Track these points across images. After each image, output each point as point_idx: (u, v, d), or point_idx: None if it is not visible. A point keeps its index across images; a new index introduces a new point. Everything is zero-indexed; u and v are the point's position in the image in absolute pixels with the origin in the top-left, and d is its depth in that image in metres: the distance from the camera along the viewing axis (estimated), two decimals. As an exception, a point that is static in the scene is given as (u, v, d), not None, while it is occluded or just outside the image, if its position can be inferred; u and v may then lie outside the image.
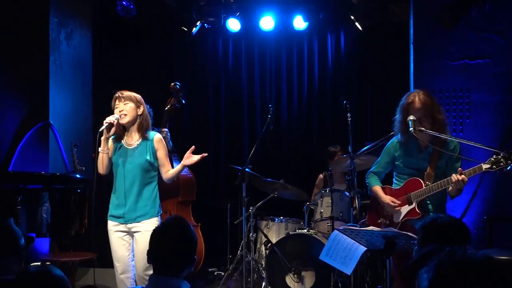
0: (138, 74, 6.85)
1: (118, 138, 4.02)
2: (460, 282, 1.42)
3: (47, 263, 4.58)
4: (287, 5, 6.69)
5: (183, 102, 5.47)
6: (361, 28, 6.57)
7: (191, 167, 5.55)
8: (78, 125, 6.01)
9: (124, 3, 6.31)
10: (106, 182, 4.15)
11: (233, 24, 6.85)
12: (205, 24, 6.90)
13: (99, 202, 3.99)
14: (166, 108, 5.30)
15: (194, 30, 6.86)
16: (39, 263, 4.33)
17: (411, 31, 5.45)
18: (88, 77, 6.23)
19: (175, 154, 5.19)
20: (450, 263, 1.45)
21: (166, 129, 5.13)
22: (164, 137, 5.10)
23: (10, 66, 5.53)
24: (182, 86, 5.41)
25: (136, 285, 3.95)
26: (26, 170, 5.23)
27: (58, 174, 5.28)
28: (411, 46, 5.45)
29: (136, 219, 3.93)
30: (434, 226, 2.47)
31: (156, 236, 2.51)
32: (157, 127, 4.88)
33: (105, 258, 5.03)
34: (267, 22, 6.81)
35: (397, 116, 3.80)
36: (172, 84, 5.40)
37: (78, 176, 5.25)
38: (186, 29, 6.95)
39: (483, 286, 1.41)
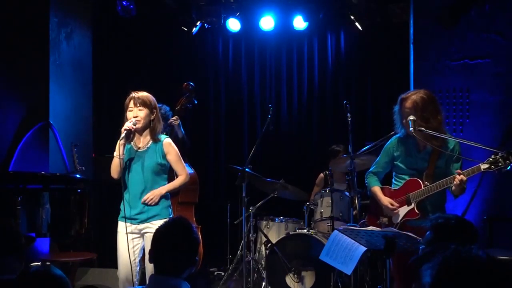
0: (138, 74, 6.85)
1: (128, 140, 4.01)
2: (463, 280, 1.42)
3: (47, 263, 4.57)
4: (287, 5, 6.69)
5: (195, 102, 5.45)
6: (361, 28, 6.57)
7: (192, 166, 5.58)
8: (78, 125, 6.00)
9: (124, 3, 6.31)
10: (107, 183, 4.14)
11: (233, 24, 6.85)
12: (205, 24, 6.90)
13: (98, 203, 3.99)
14: (176, 108, 5.30)
15: (194, 30, 6.86)
16: (39, 263, 4.33)
17: (411, 31, 5.46)
18: (88, 77, 6.23)
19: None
20: (454, 261, 1.46)
21: (178, 120, 5.20)
22: (177, 125, 5.15)
23: (10, 66, 5.53)
24: (176, 86, 5.41)
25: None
26: (26, 170, 5.22)
27: (58, 174, 5.28)
28: (411, 46, 5.45)
29: (147, 220, 3.91)
30: (447, 227, 2.48)
31: (158, 235, 2.50)
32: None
33: (105, 258, 5.04)
34: (267, 22, 6.80)
35: (396, 106, 3.84)
36: (185, 84, 5.38)
37: (78, 176, 5.25)
38: (186, 29, 6.95)
39: (486, 285, 1.41)
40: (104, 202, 4.09)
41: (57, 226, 4.59)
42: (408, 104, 3.70)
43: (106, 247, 4.12)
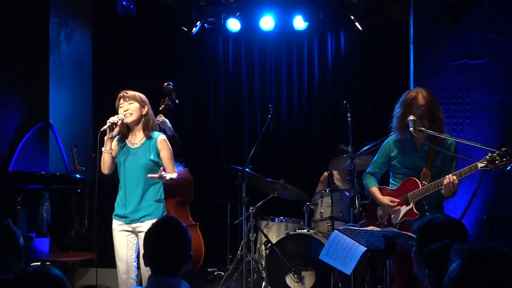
0: (138, 74, 6.84)
1: (123, 137, 4.01)
2: (491, 270, 1.45)
3: (47, 263, 4.58)
4: (287, 5, 6.68)
5: (177, 102, 5.48)
6: (361, 28, 6.56)
7: (190, 166, 5.58)
8: (78, 125, 6.01)
9: (124, 3, 6.30)
10: (109, 183, 4.15)
11: (233, 24, 6.85)
12: (205, 24, 6.90)
13: (100, 202, 3.99)
14: (160, 109, 5.31)
15: (194, 30, 6.85)
16: (38, 263, 4.33)
17: (411, 31, 5.45)
18: (88, 77, 6.24)
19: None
20: (482, 251, 1.49)
21: (162, 116, 5.16)
22: (162, 122, 5.13)
23: (10, 66, 5.54)
24: (175, 86, 5.42)
25: (139, 285, 3.94)
26: (26, 170, 5.23)
27: (58, 174, 5.29)
28: (411, 46, 5.45)
29: (140, 219, 3.91)
30: (432, 227, 2.47)
31: (149, 238, 2.46)
32: None
33: (105, 258, 5.04)
34: (267, 22, 6.80)
35: (397, 111, 3.76)
36: (165, 84, 5.41)
37: (78, 176, 5.26)
38: (186, 29, 6.95)
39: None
40: (104, 202, 4.09)
41: (57, 226, 4.60)
42: (421, 101, 3.64)
43: (106, 247, 4.12)
